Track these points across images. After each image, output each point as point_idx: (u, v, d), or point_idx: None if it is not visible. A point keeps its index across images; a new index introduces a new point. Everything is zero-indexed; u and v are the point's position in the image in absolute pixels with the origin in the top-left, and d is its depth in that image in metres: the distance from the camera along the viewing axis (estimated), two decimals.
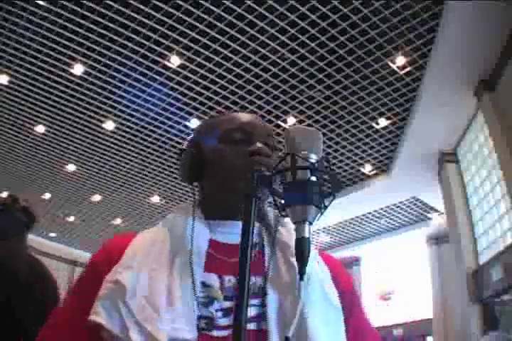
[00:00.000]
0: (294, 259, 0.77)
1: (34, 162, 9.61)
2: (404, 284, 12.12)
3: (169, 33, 6.07)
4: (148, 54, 6.47)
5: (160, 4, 5.63)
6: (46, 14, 5.88)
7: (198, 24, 5.90)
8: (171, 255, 0.76)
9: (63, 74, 6.98)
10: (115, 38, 6.20)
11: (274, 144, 0.85)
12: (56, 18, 5.92)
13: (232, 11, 5.69)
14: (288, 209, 0.65)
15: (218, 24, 5.89)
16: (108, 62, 6.67)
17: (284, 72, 6.68)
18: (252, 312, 0.73)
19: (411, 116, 7.32)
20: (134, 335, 0.67)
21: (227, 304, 0.73)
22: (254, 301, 0.74)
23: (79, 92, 7.38)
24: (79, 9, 5.77)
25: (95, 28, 6.05)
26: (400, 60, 6.31)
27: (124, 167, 9.57)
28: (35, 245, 13.08)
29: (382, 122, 7.68)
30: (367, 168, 9.06)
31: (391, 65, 6.40)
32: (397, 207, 10.44)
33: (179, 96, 7.34)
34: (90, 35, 6.18)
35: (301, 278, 0.61)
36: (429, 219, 10.86)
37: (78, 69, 6.84)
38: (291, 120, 7.64)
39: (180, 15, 5.79)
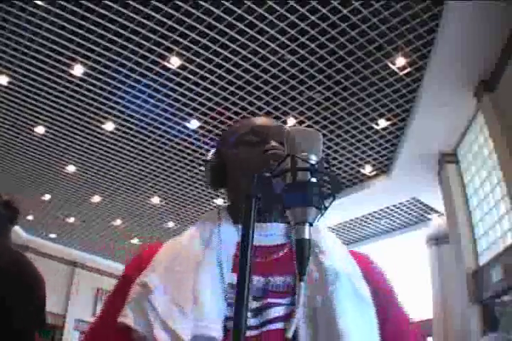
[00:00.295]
0: (322, 257, 0.78)
1: (34, 163, 9.61)
2: (404, 285, 12.10)
3: (169, 33, 6.07)
4: (148, 55, 6.48)
5: (160, 5, 5.64)
6: (45, 15, 5.88)
7: (197, 25, 5.90)
8: (199, 258, 0.78)
9: (63, 75, 6.98)
10: (115, 38, 6.21)
11: None
12: (55, 18, 5.93)
13: (232, 12, 5.69)
14: (288, 211, 0.65)
15: (218, 25, 5.89)
16: (108, 63, 6.68)
17: (284, 73, 6.68)
18: (281, 311, 0.74)
19: (411, 116, 7.33)
20: (158, 333, 0.69)
21: (255, 304, 0.75)
22: (284, 300, 0.75)
23: (79, 93, 7.38)
24: (78, 10, 5.77)
25: (95, 28, 6.05)
26: (400, 61, 6.31)
27: (124, 168, 9.57)
28: (35, 246, 13.10)
29: (382, 123, 7.68)
30: (367, 169, 9.05)
31: (391, 65, 6.40)
32: (397, 207, 10.43)
33: (179, 97, 7.34)
34: (90, 35, 6.18)
35: (301, 279, 0.61)
36: (429, 219, 10.85)
37: (78, 70, 6.84)
38: (291, 121, 7.64)
39: (180, 16, 5.79)
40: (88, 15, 5.83)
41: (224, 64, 6.56)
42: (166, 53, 6.44)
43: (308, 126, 7.58)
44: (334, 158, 8.62)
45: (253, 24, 5.85)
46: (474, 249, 7.26)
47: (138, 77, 6.93)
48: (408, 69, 6.46)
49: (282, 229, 0.85)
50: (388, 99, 7.11)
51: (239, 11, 5.66)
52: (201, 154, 8.82)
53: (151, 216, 11.81)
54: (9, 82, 7.22)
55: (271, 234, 0.84)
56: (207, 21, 5.83)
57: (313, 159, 0.66)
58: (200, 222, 0.88)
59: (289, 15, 5.66)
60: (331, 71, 6.56)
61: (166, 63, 6.61)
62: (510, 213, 6.12)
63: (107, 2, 5.64)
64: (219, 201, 10.61)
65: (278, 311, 0.74)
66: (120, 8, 5.72)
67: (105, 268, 14.94)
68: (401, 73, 6.54)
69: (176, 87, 7.11)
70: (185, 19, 5.82)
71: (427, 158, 8.17)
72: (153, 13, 5.76)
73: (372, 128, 7.82)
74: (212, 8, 5.63)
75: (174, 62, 6.57)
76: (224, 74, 6.76)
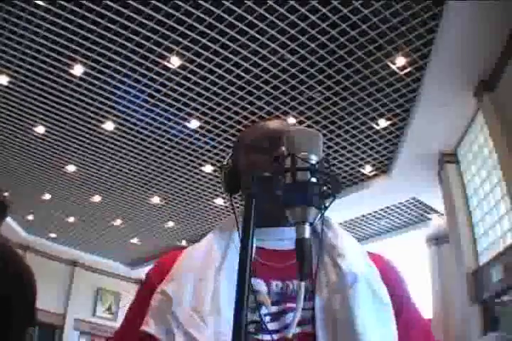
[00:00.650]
0: (340, 260, 0.78)
1: (34, 162, 9.61)
2: None
3: (169, 33, 6.07)
4: (148, 54, 6.48)
5: (160, 5, 5.64)
6: (45, 15, 5.88)
7: (198, 25, 5.90)
8: (217, 264, 0.78)
9: (63, 74, 6.98)
10: (115, 38, 6.21)
11: None
12: (55, 18, 5.93)
13: (232, 12, 5.69)
14: (288, 210, 0.65)
15: (218, 25, 5.89)
16: (108, 62, 6.67)
17: (284, 72, 6.68)
18: (300, 315, 0.73)
19: (411, 116, 7.32)
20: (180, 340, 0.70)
21: (275, 309, 0.75)
22: (303, 304, 0.75)
23: (78, 93, 7.38)
24: (78, 10, 5.77)
25: (95, 28, 6.05)
26: (400, 61, 6.31)
27: (124, 167, 9.57)
28: (35, 246, 13.10)
29: (382, 123, 7.68)
30: (367, 169, 9.05)
31: (391, 65, 6.40)
32: (397, 207, 10.43)
33: (179, 97, 7.34)
34: (90, 35, 6.17)
35: (302, 279, 0.61)
36: (429, 219, 10.85)
37: (78, 69, 6.84)
38: (291, 121, 7.63)
39: (180, 16, 5.79)
40: (88, 15, 5.83)
41: (224, 64, 6.56)
42: (166, 53, 6.44)
43: (308, 126, 7.58)
44: (334, 158, 8.62)
45: (253, 24, 5.85)
46: (474, 249, 7.25)
47: (138, 77, 6.93)
48: (408, 69, 6.46)
49: None
50: (388, 99, 7.11)
51: (239, 11, 5.66)
52: (201, 154, 8.82)
53: (151, 216, 11.81)
54: (9, 82, 7.22)
55: (286, 238, 0.84)
56: (207, 21, 5.83)
57: (314, 159, 0.66)
58: (218, 229, 0.89)
59: (289, 15, 5.66)
60: (331, 71, 6.56)
61: (166, 63, 6.61)
62: (510, 213, 6.12)
63: (107, 2, 5.64)
64: (219, 201, 10.61)
65: (298, 315, 0.74)
66: (120, 8, 5.72)
67: (105, 268, 14.95)
68: (401, 73, 6.53)
69: (176, 87, 7.11)
70: (185, 19, 5.82)
71: (427, 158, 8.16)
72: (153, 13, 5.76)
73: (372, 128, 7.82)
74: (212, 8, 5.63)
75: (174, 62, 6.57)
76: (224, 74, 6.76)
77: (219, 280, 0.75)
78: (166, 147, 8.70)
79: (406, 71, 6.49)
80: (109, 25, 5.98)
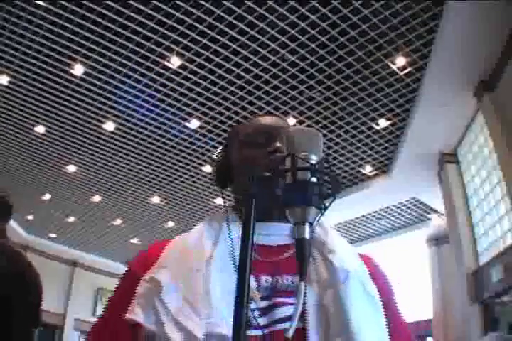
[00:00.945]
0: (331, 256, 0.78)
1: (34, 162, 9.61)
2: (404, 285, 12.11)
3: (169, 33, 6.07)
4: (148, 54, 6.48)
5: (160, 5, 5.64)
6: (46, 15, 5.88)
7: (198, 25, 5.90)
8: (207, 256, 0.77)
9: (63, 74, 6.98)
10: (115, 38, 6.21)
11: None
12: (56, 18, 5.93)
13: (232, 12, 5.69)
14: (288, 210, 0.65)
15: (218, 25, 5.89)
16: (108, 62, 6.68)
17: (284, 72, 6.68)
18: (289, 311, 0.74)
19: (411, 116, 7.33)
20: (170, 331, 0.68)
21: (264, 303, 0.75)
22: (292, 300, 0.75)
23: (79, 93, 7.38)
24: (79, 10, 5.77)
25: (95, 28, 6.05)
26: (400, 61, 6.31)
27: (124, 167, 9.57)
28: (35, 246, 13.10)
29: (382, 123, 7.68)
30: (367, 169, 9.05)
31: (391, 65, 6.40)
32: (397, 207, 10.43)
33: (179, 97, 7.34)
34: (90, 35, 6.18)
35: (302, 279, 0.61)
36: (429, 219, 10.85)
37: (78, 69, 6.84)
38: (291, 121, 7.64)
39: (180, 16, 5.79)
40: (88, 15, 5.83)
41: (224, 64, 6.56)
42: (166, 53, 6.44)
43: (308, 126, 7.58)
44: (334, 158, 8.62)
45: (253, 24, 5.85)
46: (474, 249, 7.26)
47: (138, 77, 6.93)
48: (408, 69, 6.46)
49: (287, 229, 0.85)
50: (388, 99, 7.11)
51: (239, 11, 5.66)
52: (201, 154, 8.82)
53: (151, 216, 11.81)
54: (9, 82, 7.23)
55: (273, 233, 0.84)
56: (207, 21, 5.83)
57: (314, 159, 0.66)
58: (207, 220, 0.88)
59: (289, 15, 5.66)
60: (331, 71, 6.56)
61: (166, 63, 6.61)
62: (510, 213, 6.12)
63: (107, 2, 5.64)
64: (219, 201, 10.61)
65: (286, 311, 0.73)
66: (120, 8, 5.72)
67: (105, 268, 14.94)
68: (401, 73, 6.54)
69: (176, 87, 7.11)
70: (186, 19, 5.82)
71: (427, 158, 8.17)
72: (153, 13, 5.76)
73: (372, 128, 7.82)
74: (212, 8, 5.63)
75: (174, 61, 6.57)
76: (224, 74, 6.76)
77: (210, 270, 0.74)
78: (166, 147, 8.70)
79: (406, 71, 6.49)
80: (109, 25, 5.99)
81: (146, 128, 8.18)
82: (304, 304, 0.74)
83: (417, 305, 11.25)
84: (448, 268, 9.70)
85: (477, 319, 6.75)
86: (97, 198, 11.05)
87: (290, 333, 0.60)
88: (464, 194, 7.74)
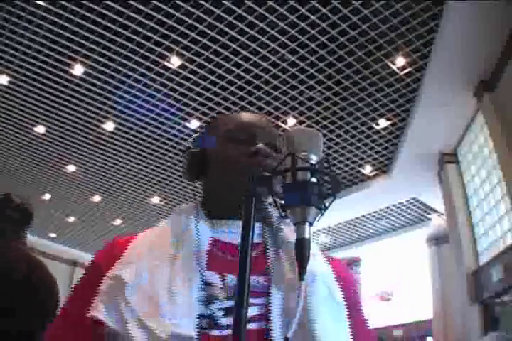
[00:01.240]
0: None
1: (34, 162, 9.61)
2: (404, 285, 12.12)
3: (169, 33, 6.07)
4: (148, 54, 6.47)
5: (160, 5, 5.64)
6: (46, 15, 5.88)
7: (198, 25, 5.90)
8: (172, 253, 0.76)
9: (63, 74, 6.98)
10: (115, 38, 6.20)
11: (279, 145, 0.83)
12: (56, 18, 5.93)
13: (232, 12, 5.69)
14: (288, 210, 0.64)
15: (218, 25, 5.89)
16: (108, 62, 6.67)
17: (284, 72, 6.68)
18: (254, 311, 0.72)
19: (411, 116, 7.32)
20: (134, 331, 0.66)
21: (229, 303, 0.72)
22: (257, 300, 0.73)
23: (79, 93, 7.38)
24: (79, 10, 5.77)
25: (95, 28, 6.05)
26: (400, 61, 6.31)
27: (124, 167, 9.57)
28: (35, 246, 13.08)
29: (382, 123, 7.68)
30: (367, 169, 9.05)
31: (391, 65, 6.40)
32: (397, 207, 10.44)
33: (179, 97, 7.34)
34: (90, 35, 6.18)
35: (301, 279, 0.61)
36: (429, 219, 10.85)
37: (78, 69, 6.84)
38: (291, 121, 7.64)
39: (180, 16, 5.79)
40: (88, 14, 5.83)
41: (224, 64, 6.56)
42: (166, 53, 6.44)
43: (309, 126, 7.58)
44: (334, 158, 8.62)
45: (253, 24, 5.85)
46: (474, 249, 7.26)
47: (138, 77, 6.93)
48: (408, 69, 6.46)
49: (256, 228, 0.81)
50: (388, 99, 7.11)
51: (239, 11, 5.66)
52: None
53: (151, 215, 11.81)
54: (9, 82, 7.23)
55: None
56: (207, 21, 5.83)
57: (314, 159, 0.66)
58: (173, 216, 0.86)
59: (289, 15, 5.66)
60: (331, 71, 6.56)
61: (166, 63, 6.61)
62: (510, 213, 6.12)
63: (107, 2, 5.64)
64: None
65: (251, 311, 0.70)
66: (120, 8, 5.72)
67: None
68: (401, 73, 6.54)
69: (176, 87, 7.11)
70: (185, 19, 5.82)
71: (427, 158, 8.17)
72: (153, 13, 5.76)
73: (372, 128, 7.82)
74: (212, 8, 5.63)
75: (174, 61, 6.57)
76: (224, 74, 6.76)
77: (175, 269, 0.73)
78: (165, 147, 8.70)
79: (406, 71, 6.49)
80: (109, 25, 5.98)
81: (145, 128, 8.18)
82: (268, 305, 0.73)
83: (417, 305, 11.26)
84: (448, 268, 9.70)
85: (477, 319, 6.75)
86: (96, 198, 11.05)
87: (290, 333, 0.60)
88: (464, 194, 7.74)
